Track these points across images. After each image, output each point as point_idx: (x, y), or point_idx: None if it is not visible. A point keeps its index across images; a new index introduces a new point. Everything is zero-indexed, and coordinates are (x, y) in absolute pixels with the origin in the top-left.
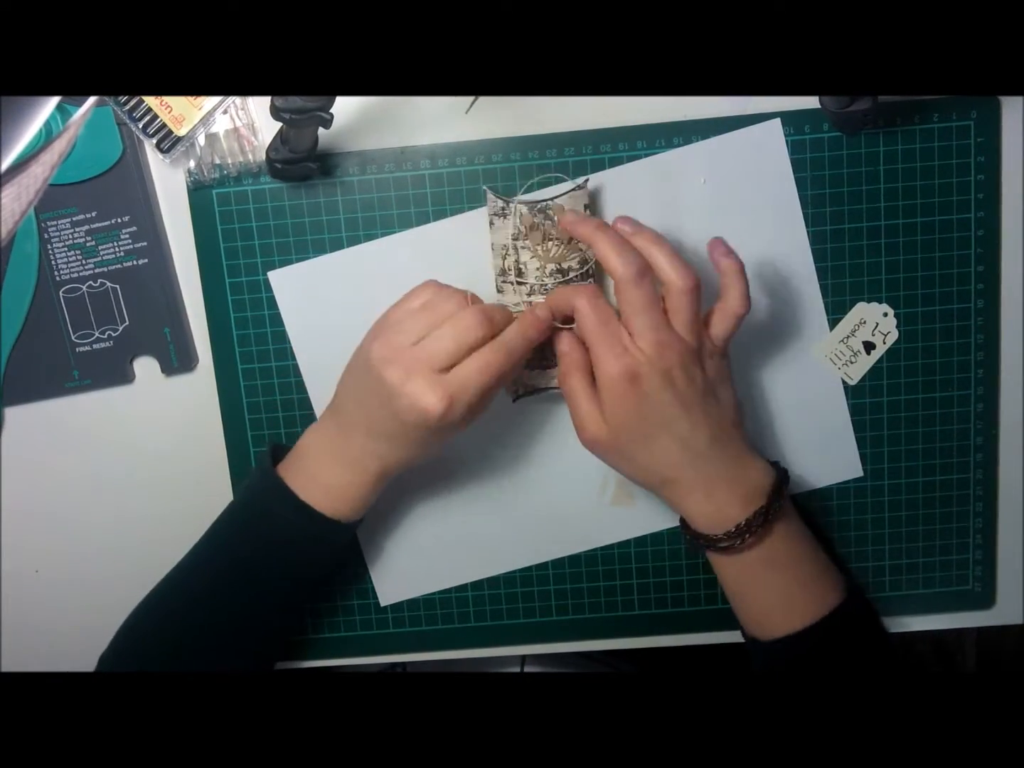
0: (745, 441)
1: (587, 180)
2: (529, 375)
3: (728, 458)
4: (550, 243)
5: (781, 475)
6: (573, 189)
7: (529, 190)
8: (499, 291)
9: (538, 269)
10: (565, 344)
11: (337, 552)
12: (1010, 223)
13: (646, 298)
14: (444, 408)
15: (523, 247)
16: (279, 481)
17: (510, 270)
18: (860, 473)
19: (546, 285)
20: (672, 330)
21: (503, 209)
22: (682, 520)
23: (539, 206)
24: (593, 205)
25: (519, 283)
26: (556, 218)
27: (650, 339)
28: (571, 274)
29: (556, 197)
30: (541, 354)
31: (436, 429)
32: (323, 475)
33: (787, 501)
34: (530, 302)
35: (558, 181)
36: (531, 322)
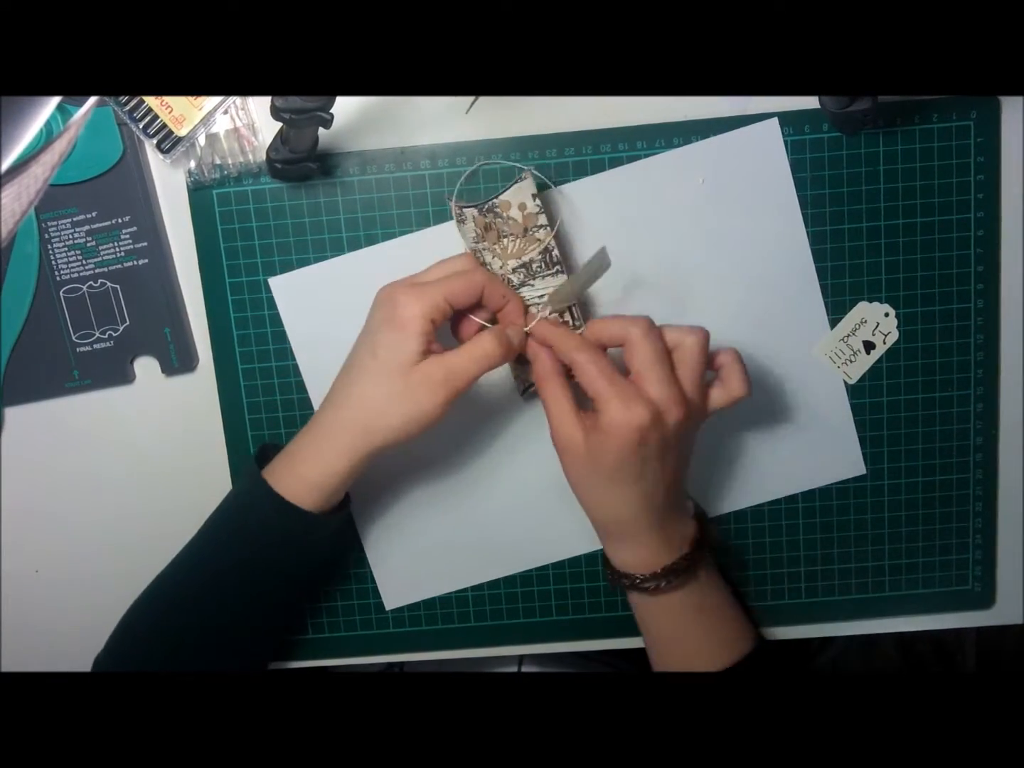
0: (685, 489)
1: (529, 170)
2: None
3: (671, 509)
4: (506, 240)
5: (705, 524)
6: (515, 182)
7: (459, 191)
8: None
9: (501, 268)
10: (537, 347)
11: (326, 547)
12: (1010, 223)
13: (656, 352)
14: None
15: (485, 249)
16: (261, 483)
17: None
18: (863, 471)
19: (513, 283)
20: (680, 388)
21: (460, 216)
22: (604, 556)
23: (486, 206)
24: (543, 196)
25: None
26: (505, 215)
27: (662, 394)
28: (534, 265)
29: (500, 193)
30: None
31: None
32: (300, 466)
33: (708, 550)
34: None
35: (512, 174)
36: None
